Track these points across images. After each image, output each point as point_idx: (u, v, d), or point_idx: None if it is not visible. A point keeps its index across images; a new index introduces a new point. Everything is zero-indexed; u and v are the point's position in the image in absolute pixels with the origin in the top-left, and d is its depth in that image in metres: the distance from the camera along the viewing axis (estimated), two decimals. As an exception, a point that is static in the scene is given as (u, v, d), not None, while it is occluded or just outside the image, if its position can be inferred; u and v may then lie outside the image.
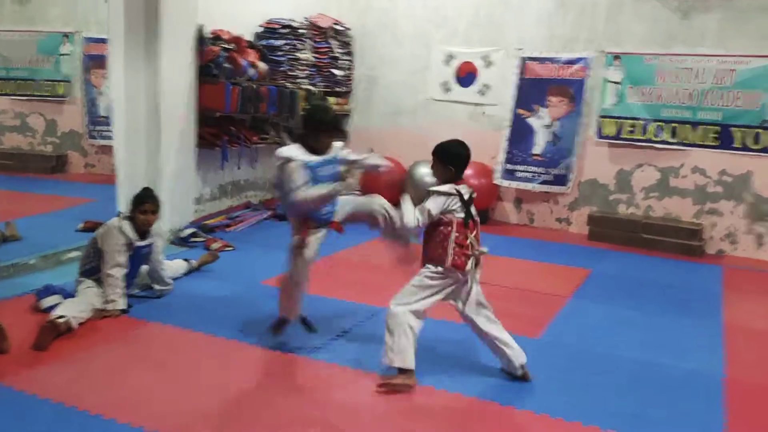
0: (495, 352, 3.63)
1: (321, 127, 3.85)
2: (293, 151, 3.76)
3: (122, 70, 5.87)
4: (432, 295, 3.56)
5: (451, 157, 3.64)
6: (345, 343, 4.08)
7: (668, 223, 7.36)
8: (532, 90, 7.96)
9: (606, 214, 7.69)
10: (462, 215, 3.54)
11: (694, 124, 7.24)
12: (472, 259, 3.52)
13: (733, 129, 7.07)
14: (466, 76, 8.49)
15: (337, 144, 4.01)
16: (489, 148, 8.15)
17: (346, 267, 5.82)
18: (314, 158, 3.78)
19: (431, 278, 3.57)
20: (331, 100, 8.77)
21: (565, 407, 3.34)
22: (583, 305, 5.09)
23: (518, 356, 3.59)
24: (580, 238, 7.63)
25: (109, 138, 9.21)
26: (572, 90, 7.73)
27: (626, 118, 7.53)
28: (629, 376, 3.82)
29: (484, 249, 3.57)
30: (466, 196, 3.56)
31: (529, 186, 7.97)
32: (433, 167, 3.69)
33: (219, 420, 3.07)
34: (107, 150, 9.48)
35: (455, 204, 3.54)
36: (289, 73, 7.87)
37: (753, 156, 7.02)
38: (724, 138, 7.12)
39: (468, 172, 7.85)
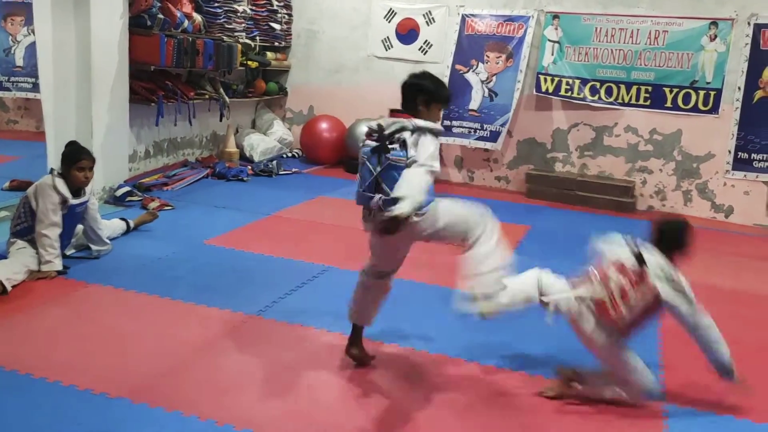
0: None
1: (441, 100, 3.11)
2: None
3: (49, 19, 5.52)
4: None
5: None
6: (294, 300, 4.06)
7: (602, 181, 7.60)
8: (471, 46, 7.97)
9: (543, 173, 7.87)
10: None
11: (628, 84, 7.44)
12: None
13: (665, 89, 7.31)
14: (407, 33, 8.41)
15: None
16: (430, 106, 8.14)
17: (292, 225, 5.76)
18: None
19: None
20: (270, 55, 8.55)
21: (526, 360, 3.44)
22: (523, 260, 5.17)
23: None
24: (519, 196, 7.80)
25: (26, 90, 8.78)
26: (511, 47, 7.79)
27: (563, 77, 7.66)
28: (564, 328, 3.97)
29: None
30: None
31: (465, 142, 8.03)
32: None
33: (168, 381, 3.01)
34: (33, 105, 8.98)
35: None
36: (227, 26, 7.60)
37: (683, 115, 7.30)
38: (655, 97, 7.36)
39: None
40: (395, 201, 2.70)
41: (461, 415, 2.94)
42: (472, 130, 7.99)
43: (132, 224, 5.12)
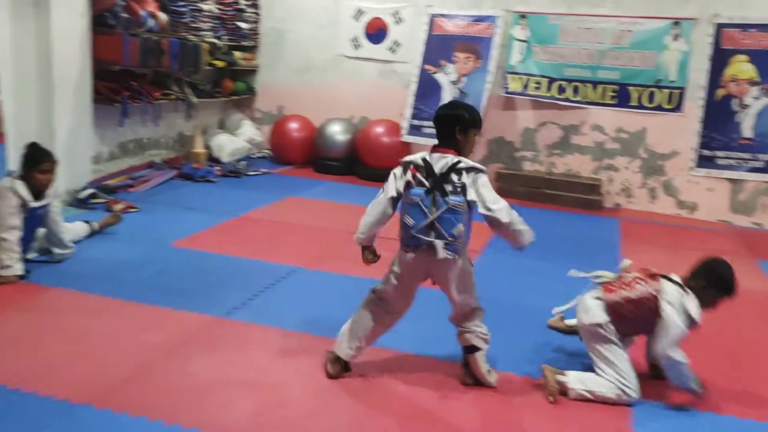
0: None
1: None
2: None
3: (8, 17, 5.37)
4: None
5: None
6: (262, 302, 4.01)
7: (569, 179, 7.68)
8: (440, 46, 7.99)
9: (512, 171, 7.92)
10: None
11: (595, 83, 7.53)
12: None
13: (630, 88, 7.41)
14: (376, 32, 8.40)
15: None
16: (399, 106, 8.15)
17: (260, 226, 5.70)
18: None
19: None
20: (237, 54, 8.47)
21: (490, 356, 3.44)
22: (491, 258, 5.24)
23: None
24: (488, 195, 7.82)
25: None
26: (479, 47, 7.83)
27: (531, 75, 7.72)
28: (538, 324, 3.99)
29: None
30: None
31: (435, 142, 8.02)
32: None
33: (133, 386, 2.96)
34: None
35: None
36: (192, 25, 7.50)
37: (648, 114, 7.41)
38: (621, 96, 7.46)
39: (378, 129, 7.98)
40: (454, 245, 2.87)
41: (433, 414, 2.94)
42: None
43: (96, 227, 5.02)
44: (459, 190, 2.90)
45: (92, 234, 4.96)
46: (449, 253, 2.89)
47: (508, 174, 7.85)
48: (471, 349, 3.16)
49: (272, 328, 3.64)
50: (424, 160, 3.00)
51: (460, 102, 3.25)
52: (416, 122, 8.06)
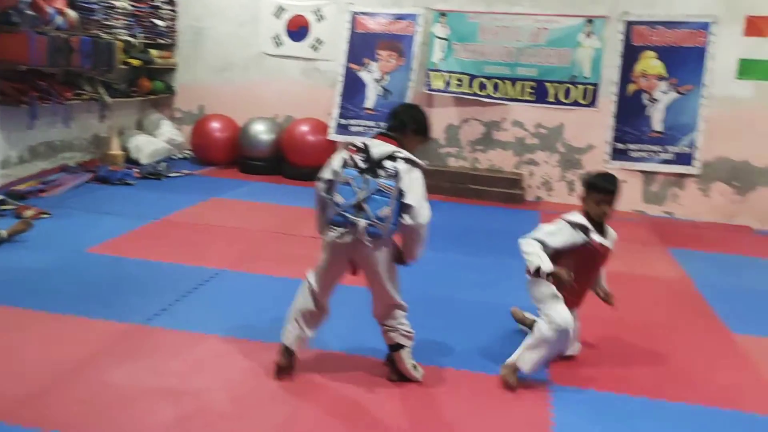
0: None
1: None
2: None
3: None
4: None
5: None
6: (184, 307, 3.90)
7: (492, 174, 7.84)
8: (363, 44, 8.01)
9: (437, 168, 8.01)
10: None
11: (513, 80, 7.71)
12: None
13: (547, 84, 7.63)
14: (298, 30, 8.33)
15: None
16: (324, 105, 8.12)
17: (182, 229, 5.55)
18: None
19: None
20: (154, 53, 8.21)
21: (417, 352, 3.46)
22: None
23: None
24: (414, 191, 7.88)
25: None
26: (402, 45, 7.88)
27: (453, 73, 7.83)
28: (465, 316, 4.07)
29: None
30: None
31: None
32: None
33: (46, 400, 2.82)
34: None
35: None
36: (105, 22, 7.22)
37: (565, 109, 7.65)
38: (539, 93, 7.67)
39: (304, 128, 7.92)
40: (378, 228, 2.88)
41: (359, 412, 2.93)
42: (369, 129, 8.02)
43: (5, 235, 4.76)
44: (392, 175, 2.91)
45: (1, 242, 4.71)
46: (372, 234, 2.89)
47: (433, 170, 7.92)
48: (396, 347, 3.17)
49: (194, 333, 3.55)
50: (364, 143, 3.02)
51: (423, 110, 3.29)
52: (343, 121, 8.05)
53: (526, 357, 3.24)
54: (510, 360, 3.27)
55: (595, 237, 3.29)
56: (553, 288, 3.23)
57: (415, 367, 3.21)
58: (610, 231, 3.41)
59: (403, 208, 2.95)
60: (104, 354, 3.26)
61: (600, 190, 3.31)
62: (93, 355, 3.23)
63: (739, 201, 7.37)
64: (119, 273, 4.37)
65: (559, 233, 3.31)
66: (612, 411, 3.09)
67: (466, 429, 2.87)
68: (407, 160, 2.97)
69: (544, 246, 3.28)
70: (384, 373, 3.24)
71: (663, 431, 2.94)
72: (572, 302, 3.33)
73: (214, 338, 3.51)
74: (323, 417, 2.87)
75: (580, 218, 3.33)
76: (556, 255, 3.28)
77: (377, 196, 2.89)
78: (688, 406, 3.18)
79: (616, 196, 3.30)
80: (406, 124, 3.11)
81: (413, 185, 2.95)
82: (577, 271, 3.25)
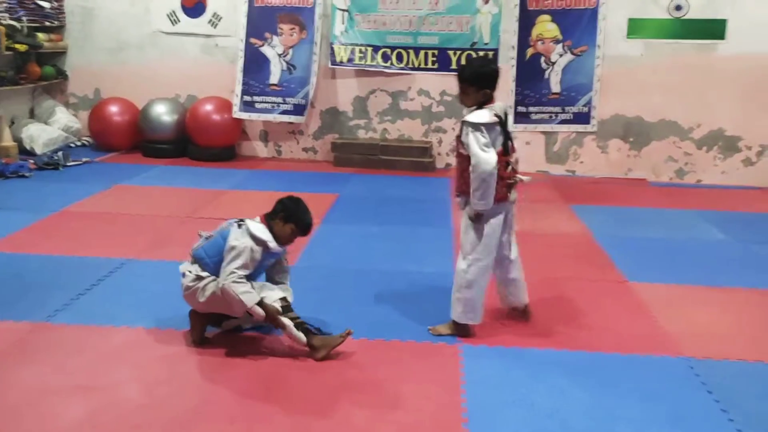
0: (508, 285, 3.59)
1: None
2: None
3: None
4: (495, 239, 3.38)
5: (484, 78, 3.28)
6: (89, 301, 3.78)
7: (402, 144, 7.92)
8: (263, 18, 7.83)
9: (347, 140, 8.01)
10: (501, 141, 3.28)
11: (416, 49, 7.76)
12: (513, 186, 3.38)
13: (449, 52, 7.73)
14: (194, 6, 8.05)
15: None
16: (227, 82, 7.92)
17: (84, 220, 5.34)
18: None
19: (481, 222, 3.33)
20: (41, 36, 7.75)
21: (330, 324, 3.50)
22: (333, 228, 5.32)
23: (525, 291, 3.64)
24: (327, 166, 7.89)
25: None
26: (302, 18, 7.77)
27: (356, 45, 7.81)
28: (381, 286, 4.14)
29: (525, 178, 3.42)
30: (504, 118, 3.29)
31: (269, 117, 7.95)
32: (461, 94, 3.34)
33: (-57, 409, 2.69)
34: None
35: (498, 131, 3.25)
36: (-18, 6, 6.75)
37: (467, 76, 7.77)
38: (441, 61, 7.76)
39: (208, 107, 7.72)
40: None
41: (274, 389, 2.95)
42: (276, 105, 7.91)
43: None
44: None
45: None
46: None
47: (344, 143, 7.94)
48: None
49: (100, 327, 3.45)
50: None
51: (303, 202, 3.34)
52: (247, 98, 7.89)
53: (456, 309, 3.45)
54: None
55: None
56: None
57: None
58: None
59: None
60: (5, 356, 3.13)
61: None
62: (-8, 359, 3.09)
63: (635, 155, 7.76)
64: (17, 270, 4.18)
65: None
66: (519, 364, 3.24)
67: (380, 391, 2.94)
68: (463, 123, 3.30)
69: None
70: (292, 348, 3.25)
71: (566, 378, 3.11)
72: None
73: (123, 330, 3.44)
74: (236, 396, 2.87)
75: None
76: None
77: None
78: (589, 354, 3.38)
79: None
80: (280, 212, 3.26)
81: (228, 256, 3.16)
82: None
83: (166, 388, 2.92)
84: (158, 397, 2.86)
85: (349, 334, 3.20)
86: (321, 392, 2.94)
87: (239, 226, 3.19)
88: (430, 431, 2.69)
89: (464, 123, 3.25)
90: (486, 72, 3.32)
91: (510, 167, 3.35)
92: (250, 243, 3.13)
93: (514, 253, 3.56)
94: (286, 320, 3.16)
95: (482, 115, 3.23)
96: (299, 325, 3.19)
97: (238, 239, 3.13)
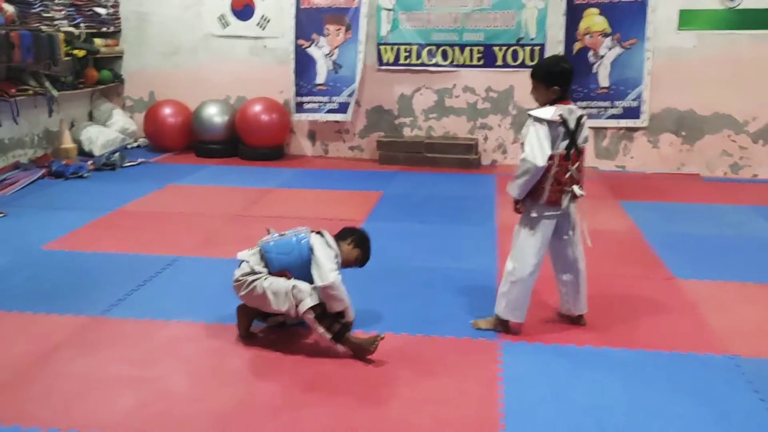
0: (569, 291, 3.55)
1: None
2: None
3: None
4: (542, 242, 3.38)
5: (553, 76, 3.24)
6: (141, 296, 3.95)
7: (447, 141, 7.93)
8: (310, 20, 7.96)
9: (393, 138, 8.07)
10: (565, 145, 3.26)
11: (462, 46, 7.76)
12: (568, 195, 3.33)
13: (494, 48, 7.70)
14: (243, 9, 8.24)
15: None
16: (275, 83, 8.09)
17: (138, 219, 5.55)
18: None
19: (531, 224, 3.37)
20: (98, 42, 8.08)
21: (372, 320, 3.57)
22: (377, 225, 5.37)
23: (585, 300, 3.60)
24: (372, 164, 7.96)
25: None
26: (348, 18, 7.86)
27: (402, 44, 7.86)
28: (423, 283, 4.18)
29: (579, 191, 3.35)
30: (572, 122, 3.23)
31: (317, 116, 8.09)
32: (533, 90, 3.33)
33: (5, 397, 2.87)
34: None
35: (560, 132, 3.22)
36: (44, 14, 7.08)
37: (513, 72, 7.73)
38: (487, 57, 7.74)
39: (257, 108, 7.90)
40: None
41: (319, 384, 3.03)
42: (322, 104, 8.04)
43: (-43, 238, 4.74)
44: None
45: (-47, 246, 4.69)
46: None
47: (389, 141, 8.01)
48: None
49: (152, 321, 3.61)
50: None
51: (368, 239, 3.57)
52: (298, 99, 8.05)
53: (499, 305, 3.48)
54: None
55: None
56: None
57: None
58: None
59: None
60: (61, 348, 3.31)
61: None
62: (50, 350, 3.28)
63: (687, 150, 7.57)
64: (75, 268, 4.39)
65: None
66: (558, 360, 3.24)
67: (418, 386, 2.99)
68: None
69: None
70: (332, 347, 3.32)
71: (606, 375, 3.10)
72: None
73: (173, 324, 3.58)
74: (280, 389, 2.97)
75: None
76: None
77: None
78: (631, 351, 3.35)
79: None
80: (349, 237, 3.51)
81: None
82: None
83: (213, 381, 3.04)
84: (205, 389, 2.98)
85: (381, 338, 3.24)
86: (360, 386, 3.01)
87: (321, 234, 3.39)
88: (467, 426, 2.72)
89: (529, 115, 3.28)
90: (556, 70, 3.27)
91: (569, 174, 3.30)
92: (336, 250, 3.35)
93: (572, 258, 3.50)
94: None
95: (546, 112, 3.21)
96: (344, 328, 3.26)
97: (330, 245, 3.34)
